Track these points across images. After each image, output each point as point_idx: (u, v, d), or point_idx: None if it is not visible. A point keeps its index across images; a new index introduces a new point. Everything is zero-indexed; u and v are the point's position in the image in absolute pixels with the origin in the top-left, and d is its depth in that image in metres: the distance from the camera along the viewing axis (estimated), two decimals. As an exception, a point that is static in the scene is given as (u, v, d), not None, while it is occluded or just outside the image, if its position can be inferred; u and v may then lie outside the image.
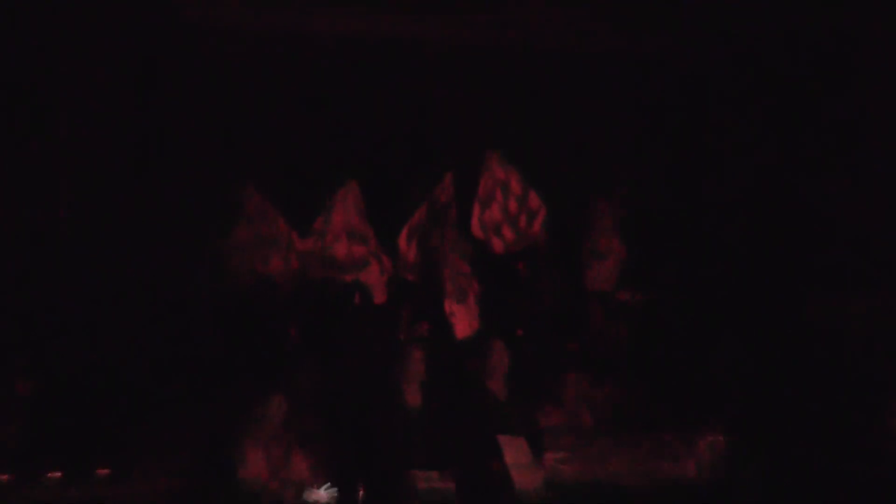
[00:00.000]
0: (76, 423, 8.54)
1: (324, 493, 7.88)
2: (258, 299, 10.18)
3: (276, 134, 11.21)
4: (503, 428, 8.58)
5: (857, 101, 11.66)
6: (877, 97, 11.59)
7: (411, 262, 11.25)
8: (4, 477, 8.20)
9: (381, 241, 11.15)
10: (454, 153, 11.50)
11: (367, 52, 11.57)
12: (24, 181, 10.25)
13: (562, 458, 9.10)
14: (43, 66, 10.26)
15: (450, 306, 10.96)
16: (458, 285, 11.12)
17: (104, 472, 8.29)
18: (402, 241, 11.28)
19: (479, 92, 11.76)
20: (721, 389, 10.40)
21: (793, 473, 8.96)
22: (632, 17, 11.68)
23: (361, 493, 8.09)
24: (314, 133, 11.32)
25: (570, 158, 11.85)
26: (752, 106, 12.14)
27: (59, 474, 8.17)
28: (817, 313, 11.18)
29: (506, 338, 9.65)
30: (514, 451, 8.47)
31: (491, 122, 11.70)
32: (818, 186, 11.80)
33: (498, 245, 11.25)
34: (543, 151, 11.74)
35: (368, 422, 8.52)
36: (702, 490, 9.03)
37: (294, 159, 11.37)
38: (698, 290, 11.70)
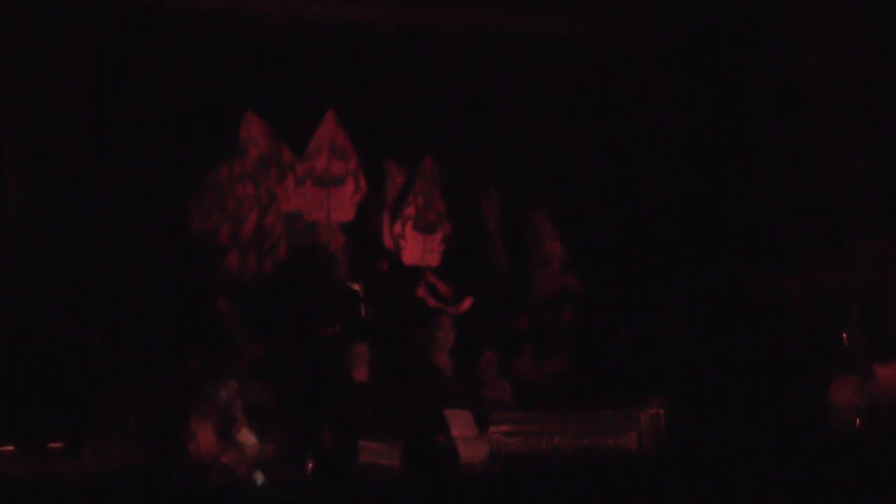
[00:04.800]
0: (29, 398, 8.56)
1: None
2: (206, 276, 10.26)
3: (232, 115, 11.23)
4: (449, 402, 8.73)
5: (796, 86, 11.84)
6: (812, 82, 11.78)
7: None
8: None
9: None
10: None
11: (319, 34, 11.63)
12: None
13: (507, 431, 9.26)
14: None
15: (401, 229, 11.00)
16: (426, 217, 11.16)
17: (57, 446, 8.33)
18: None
19: (421, 72, 11.86)
20: (662, 365, 10.61)
21: (732, 448, 9.15)
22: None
23: (310, 467, 8.19)
24: (270, 114, 11.34)
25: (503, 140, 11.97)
26: (688, 91, 12.29)
27: (10, 448, 8.21)
28: (757, 292, 11.39)
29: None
30: (460, 425, 8.58)
31: (425, 105, 11.80)
32: (757, 170, 12.00)
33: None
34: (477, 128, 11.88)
35: (318, 397, 8.65)
36: (643, 462, 9.22)
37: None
38: (640, 270, 11.89)
